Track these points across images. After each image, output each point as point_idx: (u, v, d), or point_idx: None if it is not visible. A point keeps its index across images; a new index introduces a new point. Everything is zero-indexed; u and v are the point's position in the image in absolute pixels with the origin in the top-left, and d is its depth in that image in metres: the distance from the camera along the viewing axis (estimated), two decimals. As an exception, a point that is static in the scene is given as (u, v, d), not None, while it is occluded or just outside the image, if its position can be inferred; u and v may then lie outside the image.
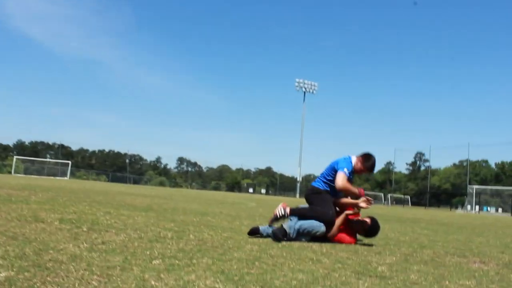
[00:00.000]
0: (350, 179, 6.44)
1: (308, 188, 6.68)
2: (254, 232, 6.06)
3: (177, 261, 3.74)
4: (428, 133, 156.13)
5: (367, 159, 6.59)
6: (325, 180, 6.55)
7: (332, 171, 6.51)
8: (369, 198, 6.36)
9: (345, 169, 6.43)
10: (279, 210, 6.34)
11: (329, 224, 6.12)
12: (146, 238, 4.92)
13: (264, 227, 6.15)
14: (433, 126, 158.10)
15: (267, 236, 5.93)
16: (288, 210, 6.35)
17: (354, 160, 6.58)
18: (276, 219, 6.35)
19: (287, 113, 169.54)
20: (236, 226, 7.18)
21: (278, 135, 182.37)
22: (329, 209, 6.20)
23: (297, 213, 6.27)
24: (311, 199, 6.48)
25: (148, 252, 4.04)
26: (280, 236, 5.78)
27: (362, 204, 6.33)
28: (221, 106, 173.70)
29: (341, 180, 6.33)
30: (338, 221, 6.17)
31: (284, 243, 5.53)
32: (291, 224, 5.99)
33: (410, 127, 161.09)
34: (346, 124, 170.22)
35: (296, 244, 5.54)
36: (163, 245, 4.52)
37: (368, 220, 6.29)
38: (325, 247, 5.51)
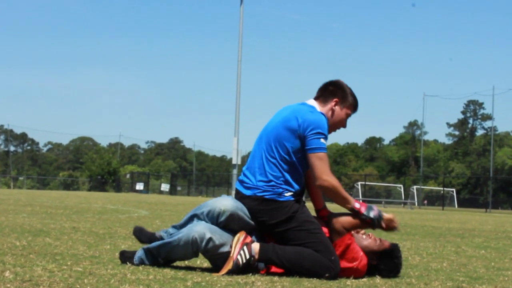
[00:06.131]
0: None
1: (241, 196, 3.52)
2: (127, 256, 3.55)
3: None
4: (488, 66, 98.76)
5: (342, 91, 3.60)
6: (272, 171, 3.43)
7: (282, 142, 3.44)
8: (392, 219, 3.57)
9: (322, 139, 3.40)
10: (241, 254, 3.25)
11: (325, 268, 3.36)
12: None
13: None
14: (499, 52, 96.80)
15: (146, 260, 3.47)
16: (256, 248, 3.32)
17: (319, 108, 3.56)
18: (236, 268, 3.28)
19: (213, 38, 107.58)
20: (104, 253, 4.16)
21: (194, 86, 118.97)
22: (328, 250, 3.40)
23: (279, 258, 3.34)
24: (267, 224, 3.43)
25: None
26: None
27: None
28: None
29: (324, 171, 3.36)
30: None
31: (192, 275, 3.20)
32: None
33: (459, 58, 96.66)
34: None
35: (220, 279, 3.24)
36: None
37: (386, 243, 3.67)
38: (279, 282, 3.27)
